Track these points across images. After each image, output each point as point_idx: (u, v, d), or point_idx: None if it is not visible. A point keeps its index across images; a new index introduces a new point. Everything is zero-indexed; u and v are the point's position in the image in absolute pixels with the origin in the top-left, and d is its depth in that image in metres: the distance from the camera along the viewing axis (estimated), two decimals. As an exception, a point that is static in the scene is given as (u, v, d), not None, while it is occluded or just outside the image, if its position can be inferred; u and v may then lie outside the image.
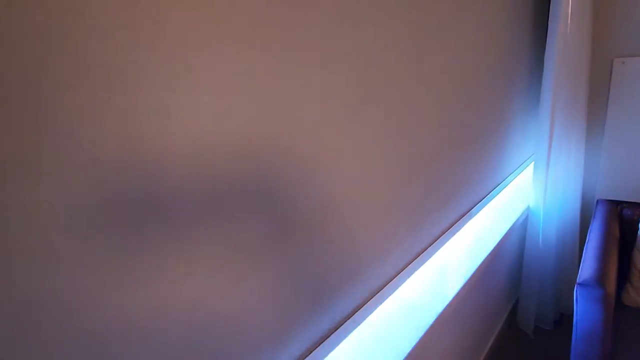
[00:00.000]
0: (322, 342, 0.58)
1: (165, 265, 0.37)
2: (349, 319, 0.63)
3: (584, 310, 1.04)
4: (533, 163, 1.64)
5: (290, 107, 0.48)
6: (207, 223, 0.40)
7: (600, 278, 1.07)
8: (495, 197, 1.53)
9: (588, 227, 1.80)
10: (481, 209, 1.20)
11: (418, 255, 0.86)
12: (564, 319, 1.83)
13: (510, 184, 1.88)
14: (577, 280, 1.10)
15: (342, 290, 0.61)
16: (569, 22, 1.43)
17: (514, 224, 1.52)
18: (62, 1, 0.28)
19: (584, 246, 1.38)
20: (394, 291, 0.76)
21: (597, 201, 1.78)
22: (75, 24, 0.29)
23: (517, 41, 1.33)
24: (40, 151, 0.29)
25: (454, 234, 1.02)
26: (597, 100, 1.84)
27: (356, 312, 0.65)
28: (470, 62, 0.97)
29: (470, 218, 1.12)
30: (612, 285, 1.07)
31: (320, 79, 0.51)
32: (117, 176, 0.33)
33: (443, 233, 0.97)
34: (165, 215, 0.37)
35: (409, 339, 0.90)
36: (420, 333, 0.91)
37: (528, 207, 1.69)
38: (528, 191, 1.77)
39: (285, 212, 0.49)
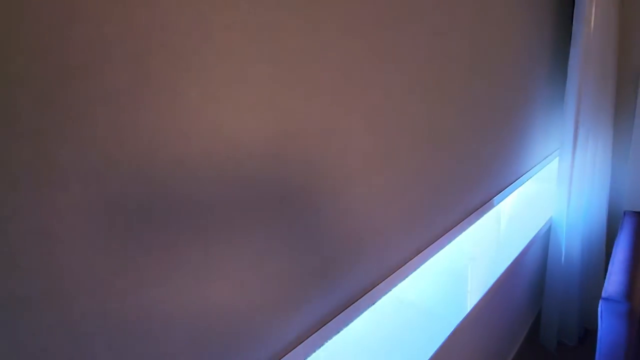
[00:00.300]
0: (334, 318, 0.58)
1: (186, 250, 0.39)
2: (359, 299, 0.63)
3: (609, 325, 1.00)
4: (557, 171, 1.60)
5: (300, 85, 0.49)
6: (221, 211, 0.42)
7: (626, 293, 1.03)
8: (517, 191, 1.49)
9: (614, 240, 1.73)
10: (501, 200, 1.18)
11: (434, 242, 0.84)
12: (588, 335, 1.76)
13: (533, 190, 1.84)
14: (602, 295, 1.06)
15: (352, 270, 0.61)
16: (591, 26, 1.40)
17: (536, 235, 1.48)
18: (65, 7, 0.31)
19: (609, 259, 1.33)
20: (405, 277, 0.75)
21: (625, 212, 1.71)
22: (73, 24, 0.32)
23: (540, 36, 1.32)
24: (64, 151, 0.31)
25: (471, 223, 0.99)
26: (623, 108, 1.78)
27: (367, 293, 0.65)
28: (493, 49, 0.97)
29: (490, 208, 1.10)
30: (638, 301, 1.02)
31: (337, 65, 0.53)
32: (137, 177, 0.35)
33: (460, 221, 0.95)
34: (181, 209, 0.38)
35: (425, 351, 0.89)
36: (437, 345, 0.90)
37: (551, 218, 1.65)
38: (551, 201, 1.72)
39: (297, 191, 0.50)
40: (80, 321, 0.33)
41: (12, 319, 0.29)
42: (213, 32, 0.39)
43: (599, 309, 1.04)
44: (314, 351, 0.55)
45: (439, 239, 0.86)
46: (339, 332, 0.59)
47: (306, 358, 0.54)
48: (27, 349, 0.30)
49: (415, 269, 0.78)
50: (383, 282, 0.69)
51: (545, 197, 1.79)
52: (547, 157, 1.60)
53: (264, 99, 0.44)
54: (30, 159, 0.29)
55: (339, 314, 0.59)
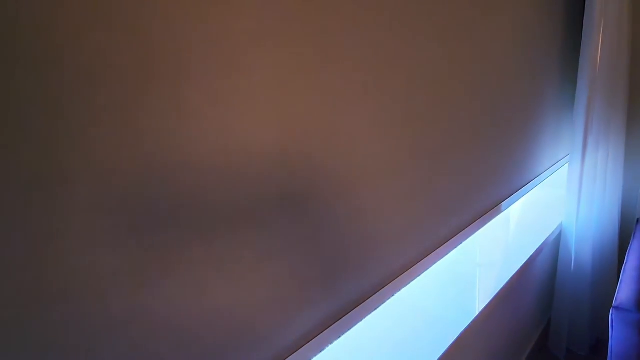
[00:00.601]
0: (338, 320, 0.59)
1: (194, 254, 0.40)
2: (363, 302, 0.63)
3: (620, 335, 0.98)
4: (567, 177, 1.58)
5: (304, 90, 0.50)
6: (225, 213, 0.43)
7: (638, 302, 1.00)
8: (526, 196, 1.46)
9: (627, 247, 1.70)
10: (510, 205, 1.17)
11: (440, 246, 0.84)
12: (600, 344, 1.72)
13: (543, 195, 1.81)
14: (613, 304, 1.04)
15: (356, 273, 0.61)
16: (600, 34, 1.38)
17: (545, 241, 1.46)
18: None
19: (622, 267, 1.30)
20: (410, 282, 0.75)
21: (638, 220, 1.68)
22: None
23: (550, 40, 1.31)
24: (71, 155, 0.32)
25: (478, 228, 0.99)
26: (636, 115, 1.75)
27: (371, 296, 0.65)
28: (500, 52, 0.97)
29: (498, 213, 1.08)
30: (652, 311, 1.00)
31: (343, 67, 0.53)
32: (142, 181, 0.36)
33: (467, 226, 0.94)
34: (185, 211, 0.39)
35: (431, 356, 0.88)
36: (442, 350, 0.89)
37: (561, 224, 1.62)
38: (561, 207, 1.69)
39: (302, 194, 0.51)
40: (85, 320, 0.33)
41: (20, 318, 0.30)
42: (217, 39, 0.39)
43: (610, 318, 1.02)
44: (316, 355, 0.55)
45: (445, 243, 0.85)
46: (341, 335, 0.59)
47: (308, 361, 0.54)
48: (34, 348, 0.31)
49: (420, 274, 0.78)
50: (387, 285, 0.69)
51: (556, 203, 1.76)
52: (557, 162, 1.58)
53: (268, 104, 0.45)
54: (39, 163, 0.30)
55: (342, 317, 0.59)
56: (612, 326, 1.02)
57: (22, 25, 0.28)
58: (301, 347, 0.53)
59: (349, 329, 0.61)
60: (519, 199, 1.23)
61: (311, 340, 0.54)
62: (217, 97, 0.40)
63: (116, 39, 0.33)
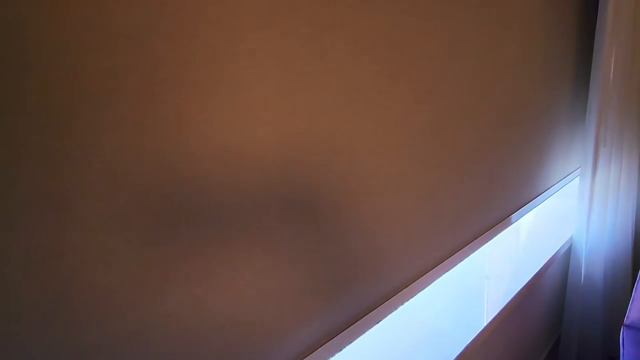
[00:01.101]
0: (339, 334, 0.58)
1: (203, 261, 0.40)
2: (365, 315, 0.63)
3: (631, 355, 0.95)
4: (578, 190, 1.55)
5: (305, 106, 0.50)
6: (232, 231, 0.43)
7: (651, 321, 0.97)
8: (534, 210, 1.45)
9: (641, 263, 1.65)
10: (520, 217, 1.15)
11: (446, 259, 0.83)
12: (613, 363, 1.67)
13: (554, 207, 1.78)
14: (624, 322, 1.01)
15: (359, 286, 0.61)
16: (613, 44, 1.36)
17: (555, 254, 1.43)
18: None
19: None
20: (415, 294, 0.74)
21: (652, 235, 1.63)
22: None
23: (562, 51, 1.30)
24: (74, 172, 0.33)
25: (487, 240, 0.97)
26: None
27: (374, 309, 0.65)
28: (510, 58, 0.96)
29: (508, 225, 1.07)
30: (665, 330, 0.96)
31: (349, 69, 0.54)
32: (143, 196, 0.36)
33: (475, 238, 0.93)
34: (206, 218, 0.40)
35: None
36: (446, 364, 0.87)
37: (572, 237, 1.59)
38: (572, 219, 1.66)
39: (305, 208, 0.51)
40: (84, 332, 0.34)
41: (32, 328, 0.31)
42: (221, 61, 0.40)
43: (621, 337, 0.99)
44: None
45: (452, 255, 0.84)
46: (343, 348, 0.59)
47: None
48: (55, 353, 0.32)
49: (425, 287, 0.77)
50: (392, 298, 0.68)
51: (567, 215, 1.73)
52: (569, 175, 1.56)
53: (270, 119, 0.46)
54: (42, 181, 0.31)
55: (344, 329, 0.59)
56: (623, 345, 0.99)
57: (33, 46, 0.29)
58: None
59: (351, 342, 0.60)
60: (529, 211, 1.22)
61: (312, 353, 0.54)
62: (219, 113, 0.41)
63: (120, 64, 0.34)
